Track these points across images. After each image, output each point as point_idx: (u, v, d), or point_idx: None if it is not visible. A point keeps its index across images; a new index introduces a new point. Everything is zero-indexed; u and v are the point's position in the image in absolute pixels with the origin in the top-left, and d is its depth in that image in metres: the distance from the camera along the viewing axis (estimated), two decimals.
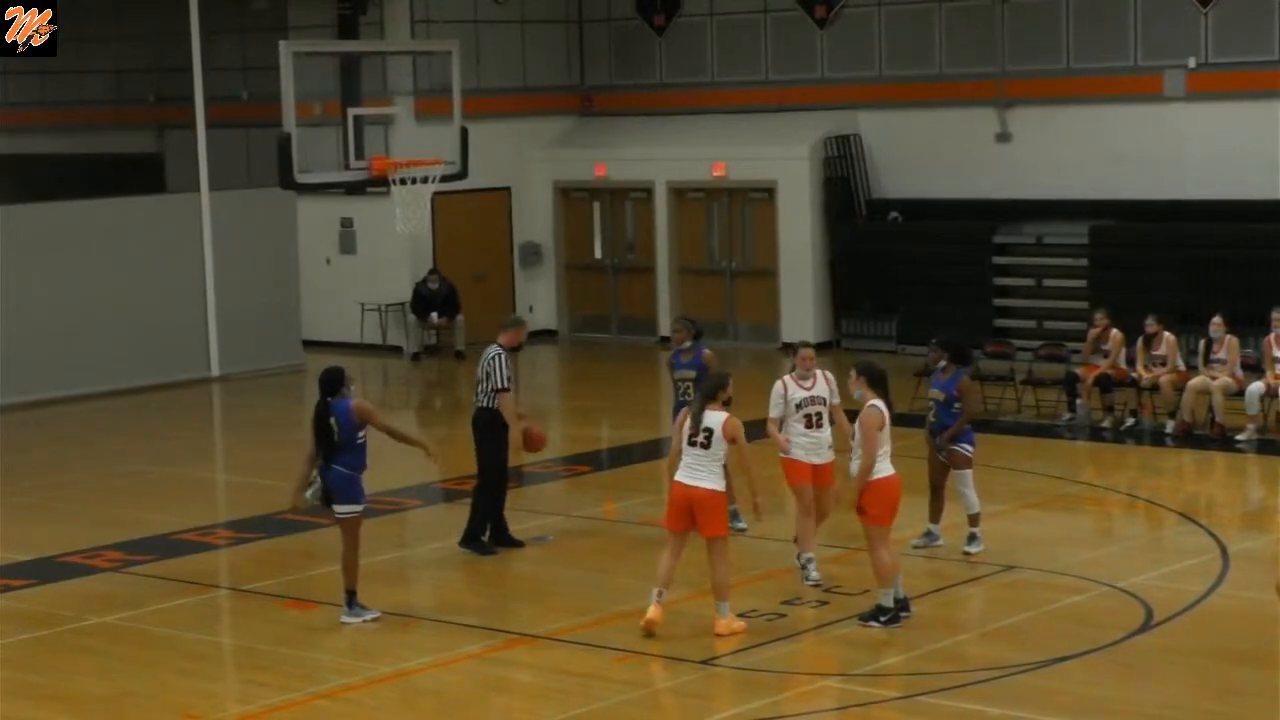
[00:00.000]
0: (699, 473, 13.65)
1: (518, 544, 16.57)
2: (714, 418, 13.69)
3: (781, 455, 15.19)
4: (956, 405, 15.92)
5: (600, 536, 17.62)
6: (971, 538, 16.04)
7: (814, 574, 15.19)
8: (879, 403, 13.93)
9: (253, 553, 17.09)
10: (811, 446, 15.07)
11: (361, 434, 14.35)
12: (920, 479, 16.08)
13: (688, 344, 16.97)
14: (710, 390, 13.88)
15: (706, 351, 17.03)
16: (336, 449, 14.25)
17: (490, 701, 12.86)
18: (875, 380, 14.04)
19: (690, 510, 13.67)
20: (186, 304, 27.15)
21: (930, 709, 12.28)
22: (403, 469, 18.93)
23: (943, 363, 16.09)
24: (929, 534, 16.12)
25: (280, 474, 20.32)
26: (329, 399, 14.35)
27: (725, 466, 13.90)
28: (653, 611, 13.76)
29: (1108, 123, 26.92)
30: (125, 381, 26.22)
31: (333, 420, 14.29)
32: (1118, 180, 26.77)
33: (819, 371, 15.29)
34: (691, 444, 13.68)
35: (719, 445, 13.65)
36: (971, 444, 16.06)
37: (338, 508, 14.33)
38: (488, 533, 16.49)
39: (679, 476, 13.71)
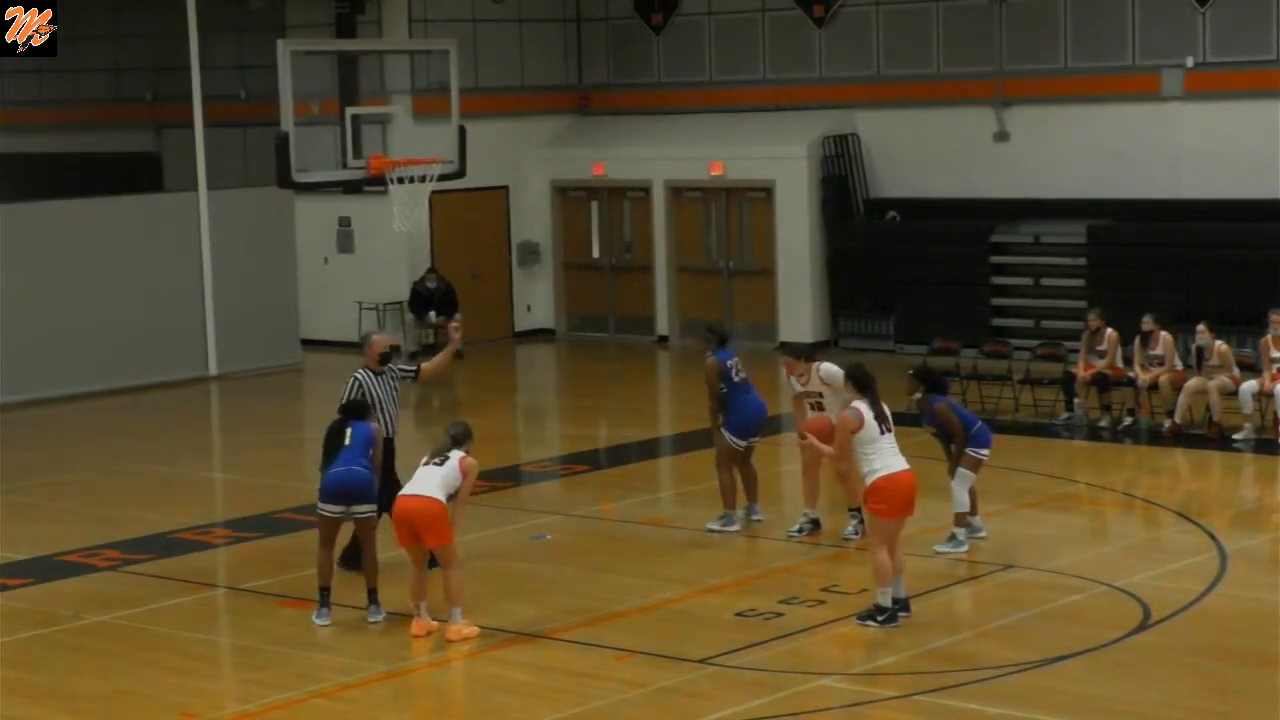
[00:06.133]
0: (420, 485, 13.91)
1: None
2: (456, 453, 14.07)
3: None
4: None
5: (598, 535, 17.63)
6: (950, 537, 16.08)
7: (793, 527, 16.85)
8: (859, 404, 14.02)
9: (250, 552, 17.09)
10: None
11: (370, 451, 14.49)
12: (921, 480, 16.10)
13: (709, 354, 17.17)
14: (457, 438, 14.17)
15: (710, 360, 17.11)
16: (345, 452, 14.35)
17: (487, 700, 12.86)
18: (861, 384, 14.20)
19: (410, 522, 13.86)
20: (184, 303, 27.14)
21: (928, 708, 12.29)
22: (401, 468, 18.91)
23: (918, 394, 16.23)
24: (969, 528, 16.24)
25: (278, 473, 20.43)
26: (351, 419, 14.62)
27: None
28: (415, 626, 14.04)
29: (1105, 122, 26.93)
30: (123, 380, 26.21)
31: (349, 430, 14.49)
32: (1115, 179, 26.78)
33: (813, 369, 16.52)
34: (426, 464, 14.04)
35: (452, 470, 13.92)
36: (985, 446, 16.21)
37: (357, 508, 14.35)
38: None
39: (402, 490, 14.09)
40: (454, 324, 16.99)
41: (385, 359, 15.71)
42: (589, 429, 24.19)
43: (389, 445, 15.43)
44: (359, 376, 15.58)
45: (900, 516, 14.04)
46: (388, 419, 15.54)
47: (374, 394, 15.46)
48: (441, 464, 13.97)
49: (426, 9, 29.50)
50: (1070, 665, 13.03)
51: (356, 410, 14.82)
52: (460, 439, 14.16)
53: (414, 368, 16.14)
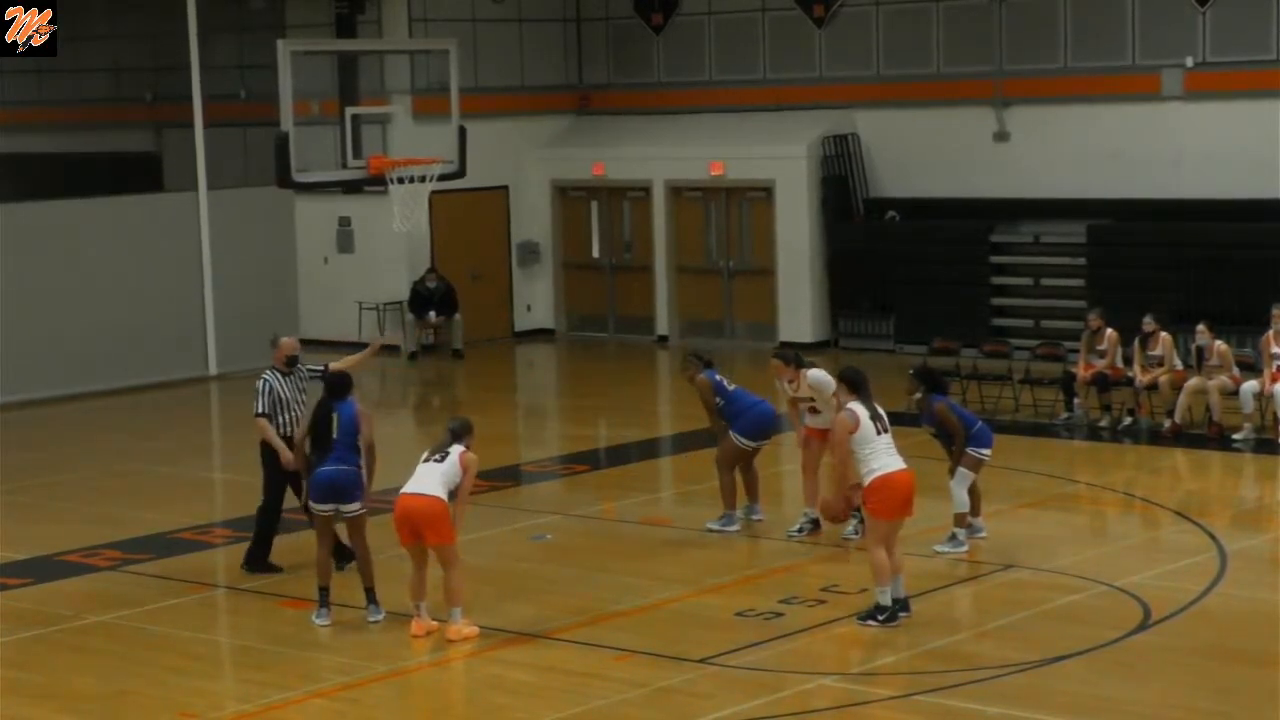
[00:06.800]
0: (422, 482, 13.89)
1: (275, 569, 16.17)
2: (456, 448, 14.01)
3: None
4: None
5: (598, 535, 17.63)
6: (950, 537, 16.09)
7: (793, 527, 16.87)
8: (854, 405, 14.02)
9: None
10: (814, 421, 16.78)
11: (358, 436, 14.48)
12: (922, 479, 16.10)
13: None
14: (458, 433, 14.13)
15: (700, 378, 17.17)
16: (334, 446, 14.33)
17: (487, 700, 12.86)
18: (854, 385, 14.18)
19: (411, 521, 13.85)
20: (184, 303, 27.14)
21: (928, 708, 12.29)
22: (402, 467, 18.91)
23: (918, 394, 16.27)
24: (970, 529, 16.26)
25: None
26: (334, 400, 14.50)
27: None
28: (415, 626, 14.04)
29: (1105, 122, 26.93)
30: (123, 380, 26.21)
31: (334, 416, 14.43)
32: (1115, 179, 26.78)
33: (801, 375, 16.53)
34: (426, 461, 14.01)
35: (452, 466, 13.88)
36: (986, 446, 16.19)
37: (345, 507, 14.36)
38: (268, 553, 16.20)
39: (404, 488, 13.99)
40: (380, 337, 17.19)
41: (292, 361, 16.05)
42: (589, 429, 24.19)
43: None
44: (267, 378, 15.93)
45: (898, 517, 14.04)
46: (294, 419, 15.88)
47: (282, 394, 15.81)
48: (442, 460, 13.95)
49: (426, 9, 29.50)
50: (1070, 665, 13.03)
51: (338, 388, 14.65)
52: (460, 433, 14.13)
53: (322, 366, 16.28)
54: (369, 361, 16.53)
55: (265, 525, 16.16)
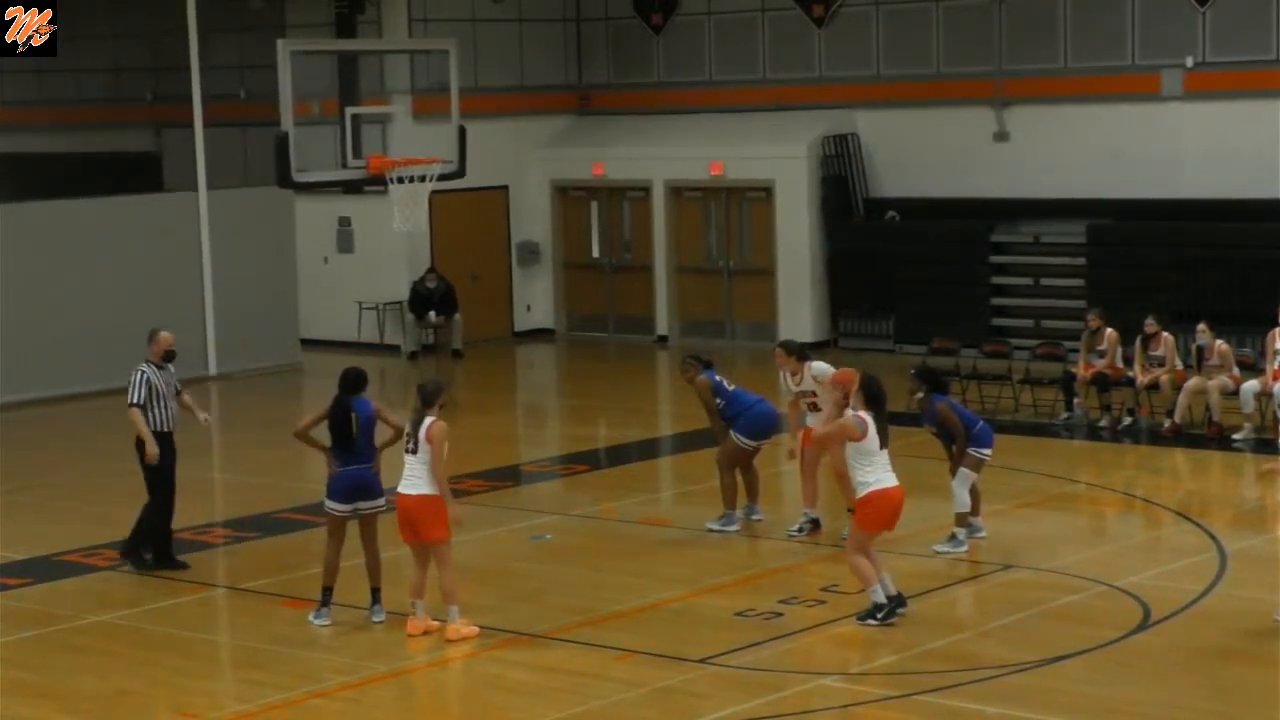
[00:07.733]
0: (412, 480, 13.88)
1: (182, 565, 16.27)
2: (426, 423, 13.94)
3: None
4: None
5: (598, 535, 17.62)
6: (950, 537, 16.08)
7: (793, 527, 16.83)
8: (866, 415, 13.93)
9: (249, 552, 17.09)
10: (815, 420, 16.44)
11: (376, 434, 14.48)
12: (922, 479, 16.11)
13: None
14: (428, 397, 14.09)
15: (700, 379, 17.12)
16: (356, 447, 14.31)
17: (487, 700, 12.86)
18: (873, 398, 14.10)
19: (408, 518, 13.89)
20: (184, 303, 27.10)
21: (928, 708, 12.29)
22: (399, 467, 18.89)
23: (920, 394, 16.26)
24: (969, 528, 16.26)
25: (277, 473, 20.43)
26: (350, 397, 14.46)
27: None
28: (410, 624, 14.04)
29: (1105, 122, 26.93)
30: (123, 380, 25.98)
31: (353, 415, 14.41)
32: (1115, 179, 26.78)
33: (805, 367, 16.55)
34: (407, 451, 13.97)
35: (425, 450, 13.84)
36: (986, 446, 16.17)
37: (366, 505, 14.35)
38: (151, 550, 16.26)
39: (399, 488, 13.99)
40: (205, 416, 16.92)
41: (170, 356, 16.22)
42: (589, 429, 24.18)
43: (170, 440, 16.03)
44: (144, 370, 16.09)
45: (884, 530, 14.03)
46: (169, 413, 16.06)
47: (159, 387, 15.99)
48: (416, 450, 13.90)
49: (426, 9, 29.50)
50: (1070, 665, 13.03)
51: (353, 383, 14.59)
52: (430, 397, 14.07)
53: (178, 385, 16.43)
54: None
55: (161, 521, 16.20)
